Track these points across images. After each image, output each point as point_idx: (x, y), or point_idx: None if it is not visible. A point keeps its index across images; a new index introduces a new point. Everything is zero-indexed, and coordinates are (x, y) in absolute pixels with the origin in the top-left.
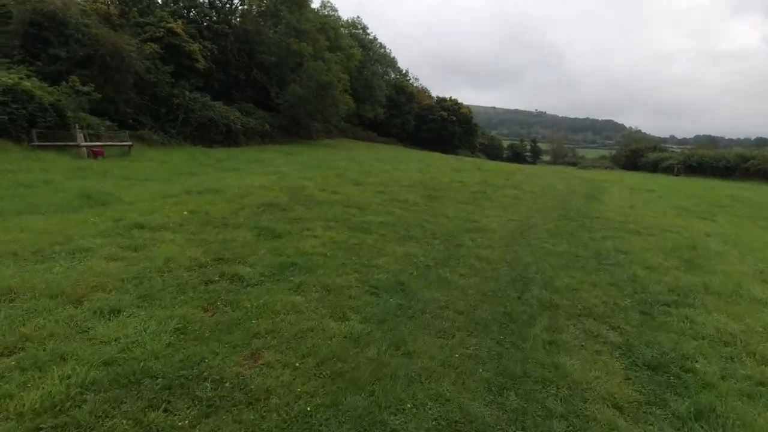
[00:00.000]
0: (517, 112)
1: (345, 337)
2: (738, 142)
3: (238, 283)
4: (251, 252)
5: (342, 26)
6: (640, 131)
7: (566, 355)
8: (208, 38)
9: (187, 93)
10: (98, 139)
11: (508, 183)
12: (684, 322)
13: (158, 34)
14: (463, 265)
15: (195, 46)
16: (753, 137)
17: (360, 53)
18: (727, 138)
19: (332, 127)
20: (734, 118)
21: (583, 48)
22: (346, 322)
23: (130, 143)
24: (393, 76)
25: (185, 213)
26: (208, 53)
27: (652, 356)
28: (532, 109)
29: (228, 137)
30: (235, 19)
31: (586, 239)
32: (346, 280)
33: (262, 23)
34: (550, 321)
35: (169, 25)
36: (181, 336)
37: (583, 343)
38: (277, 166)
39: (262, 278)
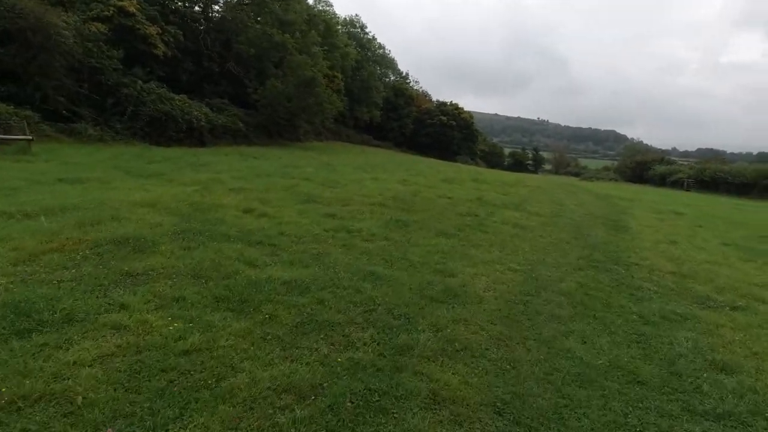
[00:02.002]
0: (519, 119)
1: None
2: (740, 156)
3: None
4: None
5: (339, 24)
6: (642, 142)
7: None
8: (174, 23)
9: (140, 83)
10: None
11: (509, 200)
12: None
13: (106, 13)
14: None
15: (153, 30)
16: (755, 151)
17: (356, 52)
18: (729, 152)
19: (323, 129)
20: (736, 132)
21: (586, 58)
22: None
23: (30, 137)
24: (392, 78)
25: None
26: (171, 39)
27: None
28: (535, 117)
29: (189, 135)
30: (213, 8)
31: (637, 321)
32: None
33: (243, 11)
34: None
35: (120, 3)
36: None
37: None
38: (218, 172)
39: None
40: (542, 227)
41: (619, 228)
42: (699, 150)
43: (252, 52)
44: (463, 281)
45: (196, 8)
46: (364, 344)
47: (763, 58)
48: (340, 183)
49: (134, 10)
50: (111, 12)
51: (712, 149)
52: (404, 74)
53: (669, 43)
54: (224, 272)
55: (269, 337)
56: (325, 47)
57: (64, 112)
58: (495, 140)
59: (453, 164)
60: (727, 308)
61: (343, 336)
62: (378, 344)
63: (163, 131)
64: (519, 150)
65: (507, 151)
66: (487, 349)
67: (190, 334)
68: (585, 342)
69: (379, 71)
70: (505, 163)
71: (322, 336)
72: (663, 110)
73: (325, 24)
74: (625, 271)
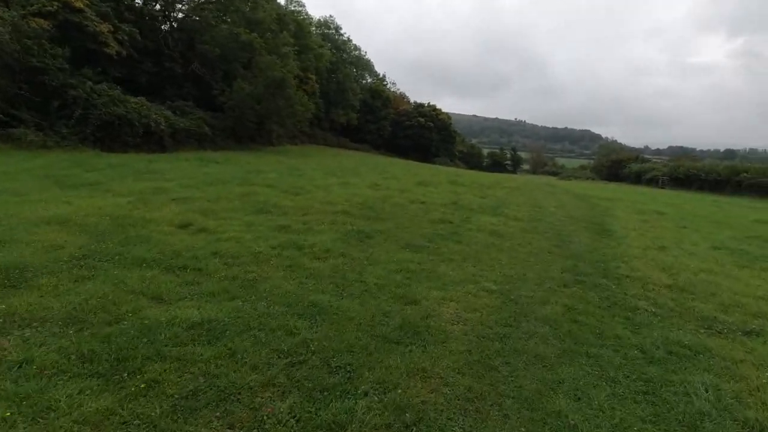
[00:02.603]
0: (497, 120)
1: None
2: (708, 153)
3: None
4: None
5: (313, 25)
6: (616, 141)
7: None
8: (130, 20)
9: (90, 84)
10: None
11: (486, 204)
12: None
13: (50, 8)
14: None
15: (104, 27)
16: (722, 149)
17: (331, 54)
18: (698, 149)
19: (298, 133)
20: (704, 130)
21: (561, 60)
22: None
23: None
24: (369, 80)
25: None
26: (126, 38)
27: None
28: (512, 118)
29: (148, 140)
30: (175, 7)
31: (639, 359)
32: None
33: (208, 10)
34: None
35: None
36: None
37: None
38: (166, 180)
39: None
40: (521, 234)
41: (603, 232)
42: (670, 148)
43: (217, 53)
44: (426, 310)
45: (157, 6)
46: (278, 423)
47: (726, 58)
48: (305, 189)
49: (82, 5)
50: (55, 7)
51: (682, 147)
52: (381, 76)
53: (639, 45)
54: (113, 314)
55: (137, 421)
56: (297, 48)
57: (0, 116)
58: (474, 141)
59: (431, 166)
60: (740, 333)
61: (250, 410)
62: (298, 421)
63: (116, 136)
64: (497, 150)
65: (485, 151)
66: (450, 419)
67: (13, 427)
68: (579, 398)
69: (355, 73)
70: (484, 163)
71: (218, 413)
72: (635, 110)
73: (297, 24)
74: (616, 286)
